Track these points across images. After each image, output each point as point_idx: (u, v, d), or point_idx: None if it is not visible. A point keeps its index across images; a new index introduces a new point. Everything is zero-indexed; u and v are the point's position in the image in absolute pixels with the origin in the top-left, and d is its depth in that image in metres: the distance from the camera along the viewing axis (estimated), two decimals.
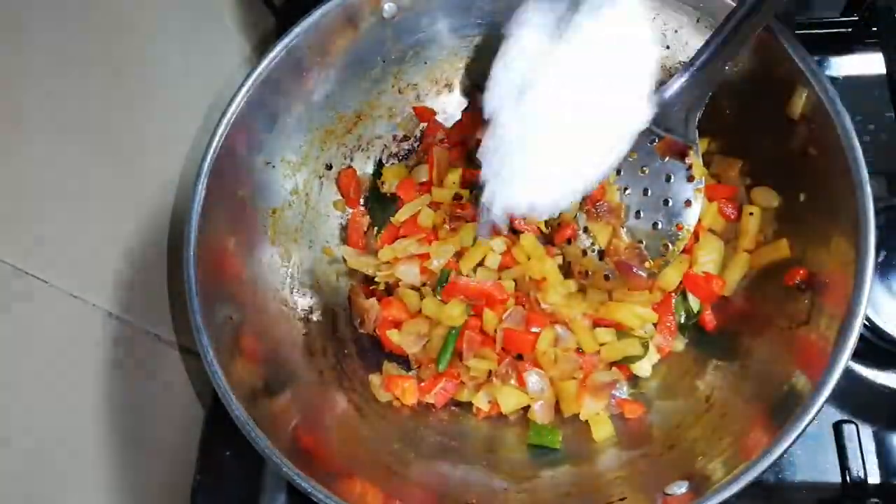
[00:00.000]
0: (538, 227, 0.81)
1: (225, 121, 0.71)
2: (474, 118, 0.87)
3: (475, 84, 0.89)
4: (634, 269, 0.76)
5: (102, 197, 0.69)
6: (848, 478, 0.69)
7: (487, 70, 0.66)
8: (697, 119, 0.71)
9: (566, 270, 0.80)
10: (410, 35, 0.82)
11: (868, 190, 0.61)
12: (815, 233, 0.68)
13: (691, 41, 0.78)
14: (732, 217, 0.77)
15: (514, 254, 0.80)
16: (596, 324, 0.78)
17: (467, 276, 0.79)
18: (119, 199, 0.72)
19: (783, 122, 0.70)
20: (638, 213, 0.77)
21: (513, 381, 0.76)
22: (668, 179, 0.75)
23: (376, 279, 0.83)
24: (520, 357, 0.77)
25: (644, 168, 0.76)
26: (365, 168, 0.89)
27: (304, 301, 0.80)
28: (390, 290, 0.83)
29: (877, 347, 0.74)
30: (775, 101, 0.70)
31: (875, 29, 0.86)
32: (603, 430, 0.73)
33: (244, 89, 0.72)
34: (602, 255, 0.77)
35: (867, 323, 0.72)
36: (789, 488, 0.72)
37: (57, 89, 0.63)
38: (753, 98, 0.74)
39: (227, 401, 0.62)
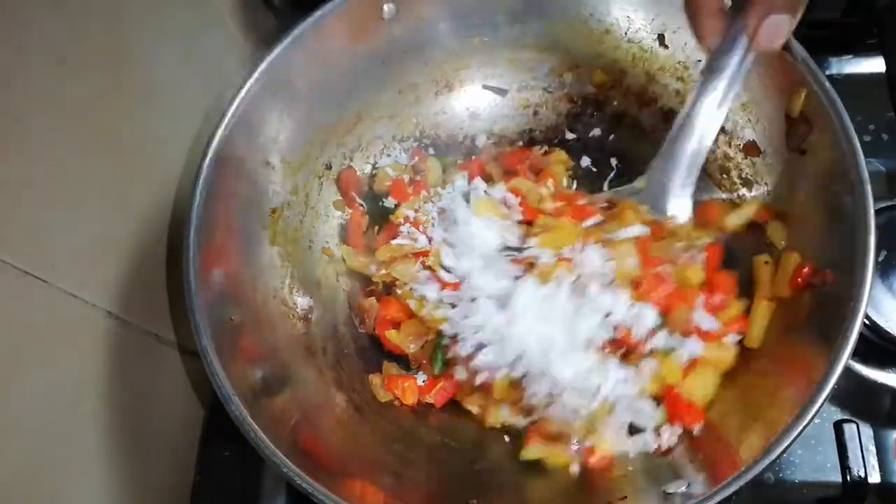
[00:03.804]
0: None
1: (225, 121, 0.71)
2: None
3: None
4: None
5: (102, 197, 0.69)
6: (848, 477, 0.69)
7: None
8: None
9: None
10: (410, 35, 0.82)
11: (868, 189, 0.61)
12: (815, 232, 0.68)
13: (691, 41, 0.78)
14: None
15: None
16: None
17: None
18: (119, 198, 0.72)
19: (782, 121, 0.70)
20: None
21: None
22: None
23: (373, 279, 0.83)
24: None
25: None
26: (365, 168, 0.88)
27: (303, 301, 0.80)
28: (389, 289, 0.82)
29: (877, 346, 0.74)
30: (775, 100, 0.70)
31: (875, 29, 0.87)
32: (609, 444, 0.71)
33: (244, 89, 0.72)
34: None
35: (867, 322, 0.72)
36: (789, 487, 0.72)
37: (56, 89, 0.63)
38: (754, 97, 0.74)
39: (226, 401, 0.62)
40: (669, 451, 0.69)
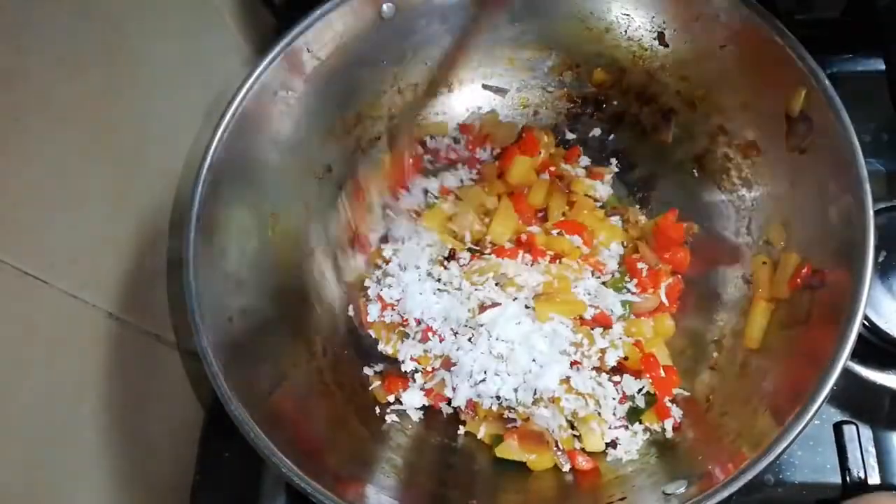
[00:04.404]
0: None
1: (224, 121, 0.71)
2: None
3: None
4: None
5: (102, 197, 0.69)
6: (848, 478, 0.69)
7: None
8: None
9: None
10: (409, 35, 0.82)
11: (868, 189, 0.61)
12: (815, 232, 0.68)
13: (691, 41, 0.78)
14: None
15: None
16: None
17: None
18: (119, 199, 0.72)
19: (782, 121, 0.70)
20: None
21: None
22: None
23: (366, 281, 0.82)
24: None
25: None
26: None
27: (303, 301, 0.80)
28: None
29: (876, 348, 0.73)
30: (775, 99, 0.70)
31: (875, 29, 0.86)
32: (594, 443, 0.73)
33: (244, 90, 0.72)
34: None
35: (867, 323, 0.72)
36: (789, 488, 0.72)
37: (56, 89, 0.63)
38: (753, 96, 0.74)
39: (226, 401, 0.62)
40: (673, 444, 0.70)
